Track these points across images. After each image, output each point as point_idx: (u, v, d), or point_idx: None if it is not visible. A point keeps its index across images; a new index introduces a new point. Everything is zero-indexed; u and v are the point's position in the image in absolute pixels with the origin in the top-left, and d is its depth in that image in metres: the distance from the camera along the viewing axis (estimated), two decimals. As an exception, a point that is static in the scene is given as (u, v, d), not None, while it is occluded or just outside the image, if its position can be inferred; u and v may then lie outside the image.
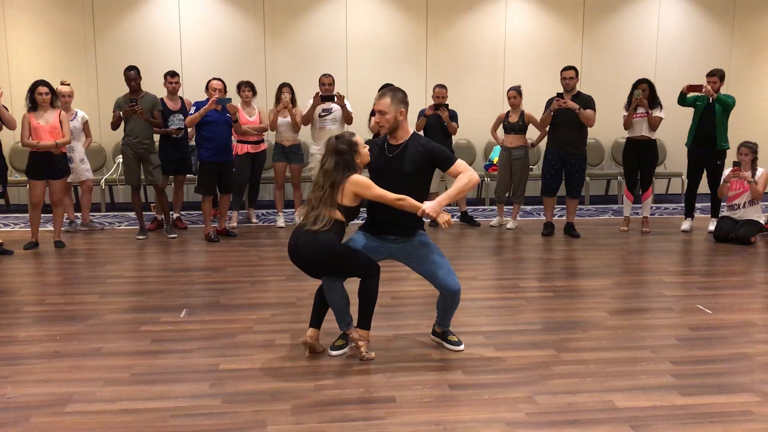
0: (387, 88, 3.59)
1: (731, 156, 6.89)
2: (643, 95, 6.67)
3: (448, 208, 8.50)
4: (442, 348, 3.77)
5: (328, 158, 3.44)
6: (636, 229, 7.14)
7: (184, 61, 8.72)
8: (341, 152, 3.42)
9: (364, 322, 3.60)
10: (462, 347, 3.74)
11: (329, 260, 3.44)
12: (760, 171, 6.52)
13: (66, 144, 6.31)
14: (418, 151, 3.52)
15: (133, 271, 5.49)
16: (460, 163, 3.52)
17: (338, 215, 3.44)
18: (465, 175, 3.45)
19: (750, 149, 6.49)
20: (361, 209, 3.58)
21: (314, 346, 3.65)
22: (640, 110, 6.73)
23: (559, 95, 6.60)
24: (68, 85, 6.91)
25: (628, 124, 6.85)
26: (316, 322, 3.66)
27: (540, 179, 7.11)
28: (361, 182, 3.42)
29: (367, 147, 3.54)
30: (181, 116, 6.94)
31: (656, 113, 6.70)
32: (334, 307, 3.62)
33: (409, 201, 3.38)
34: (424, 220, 3.61)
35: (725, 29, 9.48)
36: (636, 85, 6.75)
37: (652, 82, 6.79)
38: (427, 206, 3.34)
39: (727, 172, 6.64)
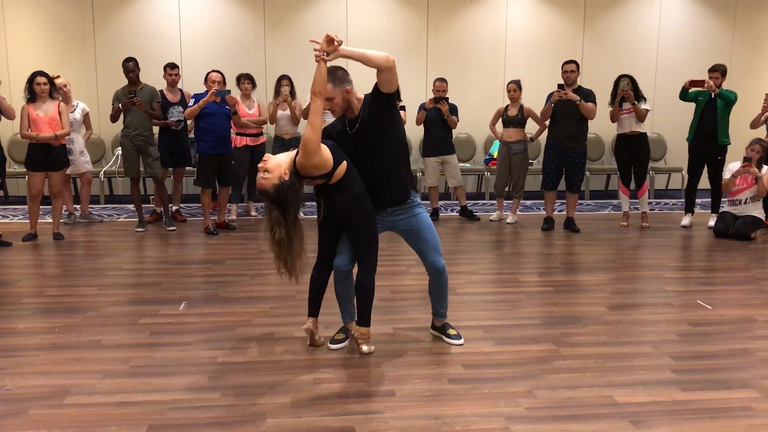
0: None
1: (732, 151, 6.89)
2: (627, 87, 6.66)
3: (448, 202, 8.48)
4: (441, 342, 3.77)
5: (276, 230, 3.23)
6: (635, 224, 7.13)
7: (183, 53, 8.69)
8: (285, 206, 3.23)
9: (364, 319, 3.56)
10: (461, 341, 3.73)
11: (354, 212, 3.38)
12: (765, 168, 6.51)
13: (65, 136, 6.29)
14: (368, 108, 3.41)
15: (132, 264, 5.48)
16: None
17: (337, 176, 3.30)
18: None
19: (763, 147, 6.48)
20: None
21: (315, 338, 3.65)
22: (626, 106, 6.73)
23: (560, 87, 6.58)
24: (58, 77, 6.82)
25: (615, 118, 6.86)
26: (314, 310, 3.65)
27: (540, 174, 7.09)
28: (304, 152, 3.19)
29: (269, 160, 3.29)
30: (180, 108, 6.92)
31: (642, 106, 6.70)
32: (341, 297, 3.64)
33: (313, 82, 3.20)
34: (414, 192, 3.57)
35: (727, 24, 9.45)
36: (618, 81, 6.75)
37: (633, 77, 6.78)
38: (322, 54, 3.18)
39: (734, 166, 6.62)
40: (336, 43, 3.17)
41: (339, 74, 3.37)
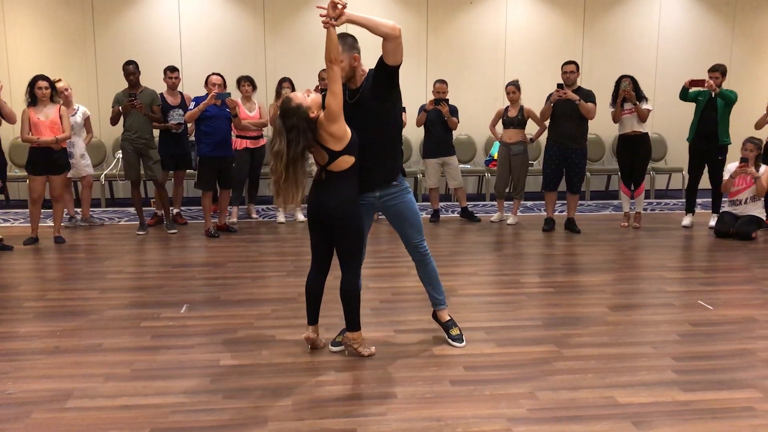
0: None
1: (732, 151, 6.88)
2: (629, 88, 6.66)
3: (449, 203, 8.48)
4: (442, 344, 3.76)
5: (276, 140, 3.28)
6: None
7: (183, 56, 8.70)
8: (294, 125, 3.25)
9: (351, 324, 3.54)
10: (462, 344, 3.72)
11: (342, 215, 3.37)
12: (763, 167, 6.51)
13: (66, 139, 6.30)
14: (370, 79, 3.42)
15: (133, 267, 5.49)
16: None
17: (346, 161, 3.33)
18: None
19: (756, 145, 6.48)
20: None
21: (316, 342, 3.65)
22: (628, 106, 6.73)
23: (560, 86, 6.58)
24: (59, 80, 6.84)
25: (617, 118, 6.85)
26: (313, 318, 3.63)
27: (540, 174, 7.09)
28: (326, 114, 3.27)
29: (313, 93, 3.39)
30: (180, 111, 6.93)
31: (643, 106, 6.70)
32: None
33: (325, 49, 3.22)
34: (400, 176, 3.57)
35: (726, 24, 9.45)
36: (619, 81, 6.75)
37: (634, 78, 6.78)
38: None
39: (731, 166, 6.62)
40: (340, 6, 3.16)
41: (349, 40, 3.37)
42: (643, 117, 6.72)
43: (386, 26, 3.20)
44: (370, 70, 3.46)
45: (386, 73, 3.35)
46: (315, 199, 3.42)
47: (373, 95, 3.40)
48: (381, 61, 3.33)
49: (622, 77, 6.76)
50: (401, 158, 3.62)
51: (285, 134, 3.26)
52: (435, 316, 3.88)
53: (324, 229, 3.47)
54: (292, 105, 3.27)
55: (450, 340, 3.75)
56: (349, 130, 3.31)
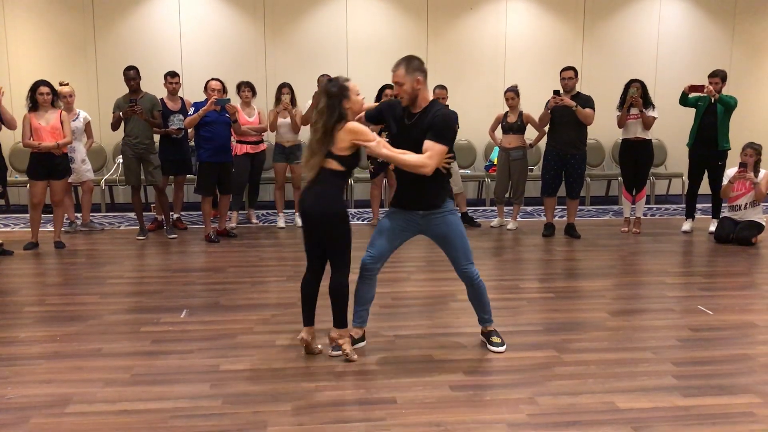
0: (401, 58, 3.48)
1: (732, 156, 6.89)
2: (637, 94, 6.66)
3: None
4: (443, 348, 3.76)
5: (321, 99, 3.39)
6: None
7: (184, 61, 8.72)
8: (331, 95, 3.35)
9: (338, 322, 3.58)
10: (502, 348, 3.72)
11: (327, 221, 3.43)
12: (762, 172, 6.51)
13: (67, 144, 6.31)
14: (430, 118, 3.45)
15: (133, 272, 5.49)
16: (429, 146, 3.39)
17: (332, 165, 3.41)
18: (419, 156, 3.38)
19: (755, 150, 6.47)
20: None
21: (310, 346, 3.64)
22: (634, 111, 6.73)
23: (556, 93, 6.59)
24: (67, 84, 6.89)
25: (622, 123, 6.84)
26: (308, 319, 3.63)
27: (540, 180, 7.10)
28: (357, 130, 3.37)
29: (361, 96, 3.47)
30: (181, 116, 6.94)
31: (649, 113, 6.69)
32: (356, 297, 3.69)
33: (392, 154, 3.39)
34: (450, 194, 3.64)
35: (726, 30, 9.48)
36: (629, 85, 6.75)
37: (644, 83, 6.78)
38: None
39: (731, 172, 6.62)
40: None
41: (414, 64, 3.45)
42: (647, 124, 6.71)
43: (410, 165, 3.39)
44: (433, 100, 3.54)
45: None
46: (306, 203, 3.46)
47: (426, 130, 3.44)
48: (431, 129, 3.44)
49: (631, 81, 6.74)
50: (445, 184, 3.63)
51: (326, 97, 3.38)
52: (481, 331, 3.88)
53: (315, 235, 3.52)
54: (345, 83, 3.41)
55: (490, 347, 3.75)
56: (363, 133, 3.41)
